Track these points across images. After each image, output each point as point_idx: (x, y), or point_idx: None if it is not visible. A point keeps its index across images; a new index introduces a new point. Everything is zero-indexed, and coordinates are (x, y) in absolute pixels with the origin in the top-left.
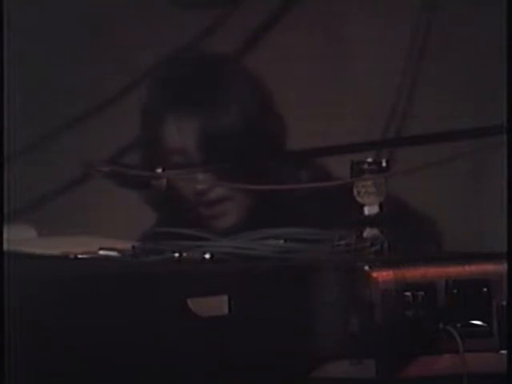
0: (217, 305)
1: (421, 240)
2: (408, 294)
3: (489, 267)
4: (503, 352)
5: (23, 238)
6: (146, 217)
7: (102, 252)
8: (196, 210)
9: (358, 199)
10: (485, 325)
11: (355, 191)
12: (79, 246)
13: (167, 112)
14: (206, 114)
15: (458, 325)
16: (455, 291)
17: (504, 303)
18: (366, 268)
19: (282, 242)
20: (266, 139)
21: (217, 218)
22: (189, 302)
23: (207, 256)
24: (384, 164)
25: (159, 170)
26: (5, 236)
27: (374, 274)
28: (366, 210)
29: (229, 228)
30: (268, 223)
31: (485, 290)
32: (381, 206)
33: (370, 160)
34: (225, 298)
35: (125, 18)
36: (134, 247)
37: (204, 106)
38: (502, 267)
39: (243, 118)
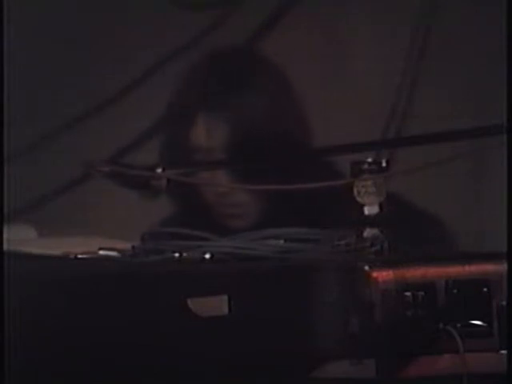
0: (217, 305)
1: (421, 240)
2: (408, 293)
3: (489, 267)
4: (503, 352)
5: (23, 238)
6: (149, 217)
7: (102, 252)
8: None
9: (358, 199)
10: (485, 325)
11: (355, 191)
12: (79, 246)
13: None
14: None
15: (458, 325)
16: (455, 291)
17: (504, 303)
18: (366, 268)
19: (281, 242)
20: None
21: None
22: (189, 302)
23: (207, 256)
24: (384, 164)
25: (159, 170)
26: (5, 236)
27: (374, 274)
28: (366, 210)
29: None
30: (272, 223)
31: (485, 290)
32: (381, 206)
33: (370, 160)
34: (225, 298)
35: (125, 18)
36: (133, 247)
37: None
38: (502, 267)
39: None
